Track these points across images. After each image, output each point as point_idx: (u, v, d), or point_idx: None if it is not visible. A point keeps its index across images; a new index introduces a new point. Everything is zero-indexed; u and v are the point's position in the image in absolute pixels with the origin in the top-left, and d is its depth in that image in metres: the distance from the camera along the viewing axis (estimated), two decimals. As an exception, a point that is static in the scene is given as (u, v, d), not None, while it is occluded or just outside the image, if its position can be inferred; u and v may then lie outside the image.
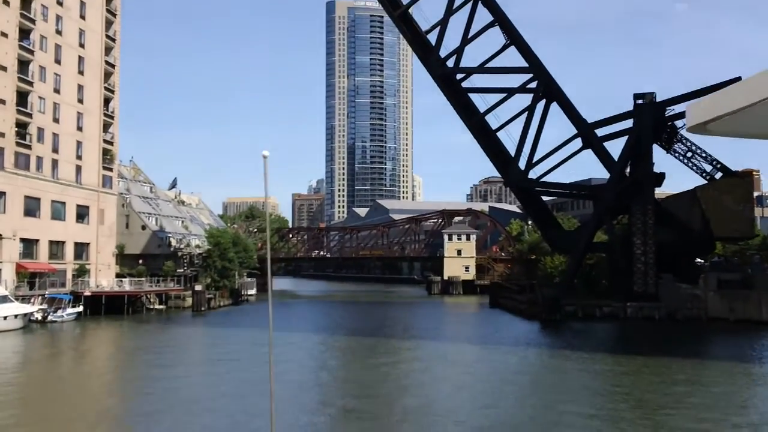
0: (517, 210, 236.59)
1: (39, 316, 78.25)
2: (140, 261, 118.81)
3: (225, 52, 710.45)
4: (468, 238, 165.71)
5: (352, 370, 49.21)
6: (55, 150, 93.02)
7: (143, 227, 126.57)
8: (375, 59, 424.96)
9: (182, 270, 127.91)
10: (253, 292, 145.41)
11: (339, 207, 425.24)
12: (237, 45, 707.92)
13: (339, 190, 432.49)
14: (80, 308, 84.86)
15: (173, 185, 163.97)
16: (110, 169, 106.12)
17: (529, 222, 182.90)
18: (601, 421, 33.33)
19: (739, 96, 4.59)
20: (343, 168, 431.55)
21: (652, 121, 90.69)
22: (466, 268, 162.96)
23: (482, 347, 61.16)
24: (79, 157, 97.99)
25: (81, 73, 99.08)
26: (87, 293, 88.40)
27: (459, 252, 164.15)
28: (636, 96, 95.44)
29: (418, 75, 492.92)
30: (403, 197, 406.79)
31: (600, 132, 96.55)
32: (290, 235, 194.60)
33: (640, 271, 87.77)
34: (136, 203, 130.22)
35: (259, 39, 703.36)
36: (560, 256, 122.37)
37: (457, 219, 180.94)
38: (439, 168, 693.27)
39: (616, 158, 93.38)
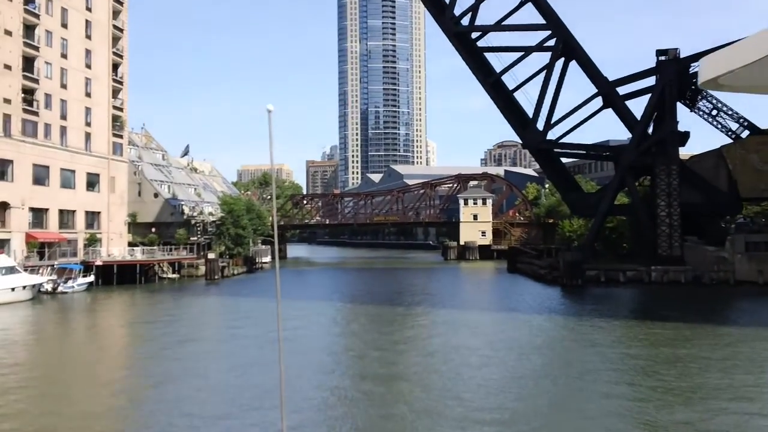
0: (533, 173, 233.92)
1: (49, 287, 76.91)
2: (153, 229, 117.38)
3: (237, 20, 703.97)
4: (484, 203, 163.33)
5: (368, 344, 47.30)
6: (63, 117, 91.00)
7: (156, 195, 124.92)
8: (387, 23, 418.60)
9: (195, 238, 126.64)
10: (267, 259, 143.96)
11: (353, 173, 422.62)
12: (250, 12, 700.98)
13: (353, 156, 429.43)
14: (91, 278, 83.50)
15: (185, 152, 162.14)
16: (120, 136, 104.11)
17: (546, 185, 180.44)
18: (639, 399, 31.27)
19: (752, 49, 4.47)
20: (357, 134, 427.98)
21: (676, 77, 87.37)
22: (483, 233, 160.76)
23: (503, 315, 59.07)
24: (88, 124, 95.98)
25: (88, 37, 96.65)
26: (98, 263, 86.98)
27: (475, 217, 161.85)
28: (659, 52, 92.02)
29: (432, 39, 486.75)
30: (418, 163, 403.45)
31: (621, 91, 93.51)
32: (304, 202, 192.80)
33: (665, 233, 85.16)
34: (148, 171, 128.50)
35: (271, 3, 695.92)
36: (579, 219, 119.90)
37: (472, 183, 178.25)
38: (453, 133, 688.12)
39: (637, 118, 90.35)
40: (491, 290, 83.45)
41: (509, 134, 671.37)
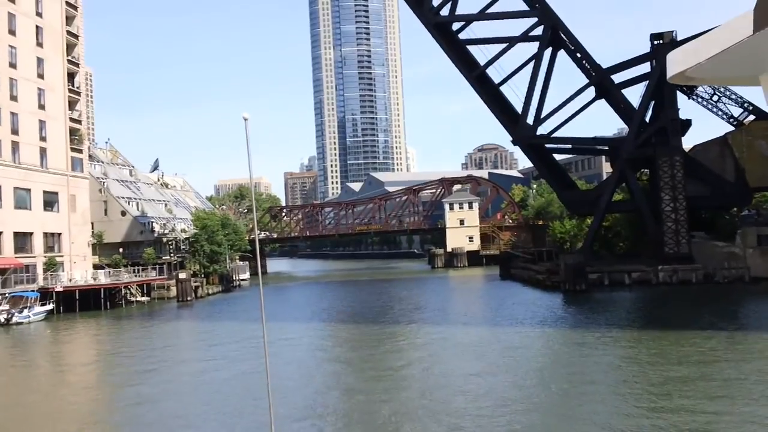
0: (518, 175, 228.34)
1: (1, 317, 69.37)
2: (120, 249, 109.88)
3: (208, 31, 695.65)
4: (470, 207, 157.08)
5: (356, 367, 40.62)
6: (15, 131, 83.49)
7: (123, 213, 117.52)
8: (361, 28, 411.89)
9: (168, 257, 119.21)
10: (246, 276, 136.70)
11: (332, 183, 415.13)
12: (220, 23, 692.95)
13: (332, 166, 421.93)
14: (50, 306, 76.04)
15: (155, 167, 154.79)
16: (80, 151, 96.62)
17: (534, 186, 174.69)
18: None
19: (719, 40, 4.42)
20: (335, 143, 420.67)
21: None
22: (470, 238, 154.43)
23: (504, 330, 52.24)
24: (43, 139, 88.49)
25: (40, 45, 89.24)
26: (58, 288, 79.41)
27: (461, 222, 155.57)
28: (653, 36, 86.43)
29: (407, 43, 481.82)
30: (398, 170, 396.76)
31: (615, 79, 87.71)
32: (283, 214, 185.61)
33: (671, 230, 79.15)
34: (114, 188, 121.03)
35: (241, 15, 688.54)
36: (570, 220, 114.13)
37: (456, 187, 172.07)
38: (432, 139, 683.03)
39: (635, 107, 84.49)
40: (487, 300, 76.52)
41: (490, 137, 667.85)
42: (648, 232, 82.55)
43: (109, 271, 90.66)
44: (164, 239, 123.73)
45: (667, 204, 79.54)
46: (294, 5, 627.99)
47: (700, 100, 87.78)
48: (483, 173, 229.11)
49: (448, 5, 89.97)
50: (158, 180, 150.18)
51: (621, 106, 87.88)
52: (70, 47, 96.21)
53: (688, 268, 76.29)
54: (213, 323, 67.94)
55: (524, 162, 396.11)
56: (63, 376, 44.31)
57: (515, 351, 42.59)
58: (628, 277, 76.77)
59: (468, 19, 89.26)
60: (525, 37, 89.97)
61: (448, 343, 46.79)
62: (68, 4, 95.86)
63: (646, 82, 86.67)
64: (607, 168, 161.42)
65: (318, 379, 37.85)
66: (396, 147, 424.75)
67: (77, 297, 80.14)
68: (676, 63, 4.92)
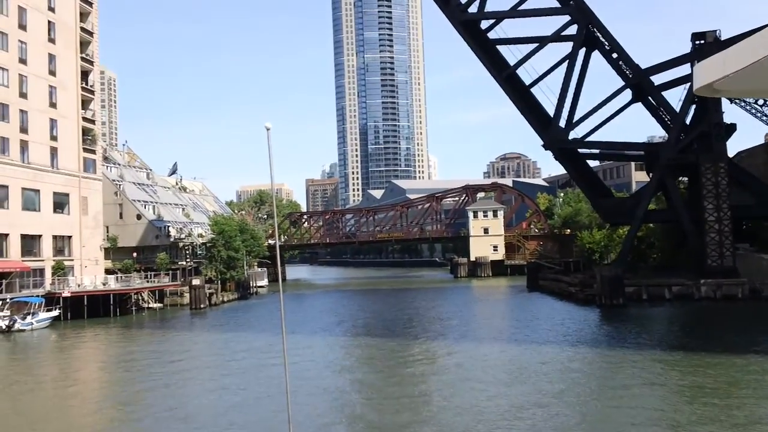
0: (543, 183, 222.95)
1: (2, 324, 65.78)
2: (134, 254, 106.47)
3: (231, 40, 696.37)
4: (495, 215, 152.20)
5: (377, 394, 36.34)
6: (24, 130, 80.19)
7: (138, 217, 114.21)
8: (384, 35, 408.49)
9: (184, 262, 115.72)
10: (264, 282, 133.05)
11: (354, 190, 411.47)
12: (241, 30, 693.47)
13: (353, 173, 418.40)
14: (56, 312, 72.44)
15: (173, 171, 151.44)
16: (93, 151, 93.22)
17: (560, 195, 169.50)
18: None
19: (747, 53, 4.38)
20: (356, 150, 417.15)
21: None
22: (495, 247, 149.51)
23: (538, 349, 47.43)
24: (53, 138, 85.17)
25: (52, 41, 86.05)
26: (66, 294, 75.79)
27: (486, 230, 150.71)
28: (695, 36, 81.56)
29: (430, 52, 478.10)
30: (419, 177, 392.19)
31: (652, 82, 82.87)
32: (303, 220, 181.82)
33: (714, 241, 74.06)
34: (130, 191, 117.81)
35: (264, 23, 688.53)
36: (600, 230, 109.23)
37: (480, 195, 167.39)
38: (454, 148, 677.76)
39: (676, 110, 79.54)
40: (516, 314, 71.37)
41: (512, 147, 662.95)
42: (688, 243, 77.48)
43: (120, 277, 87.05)
44: (180, 244, 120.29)
45: (710, 214, 74.51)
46: (317, 12, 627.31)
47: (743, 104, 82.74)
48: (506, 182, 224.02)
49: (477, 2, 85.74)
50: (176, 184, 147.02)
51: (659, 110, 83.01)
52: (84, 44, 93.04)
53: (733, 282, 71.15)
54: (225, 334, 63.88)
55: (547, 171, 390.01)
56: (51, 392, 40.31)
57: (557, 375, 38.00)
58: (669, 292, 71.77)
59: (497, 17, 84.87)
60: (557, 37, 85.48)
61: (479, 364, 42.25)
62: (83, 0, 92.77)
63: (685, 85, 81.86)
64: (637, 177, 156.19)
65: (336, 390, 33.60)
66: (418, 155, 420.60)
67: (86, 303, 76.51)
68: (702, 75, 4.78)
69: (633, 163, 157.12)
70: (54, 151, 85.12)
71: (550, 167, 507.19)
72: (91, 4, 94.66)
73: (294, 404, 27.63)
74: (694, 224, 75.47)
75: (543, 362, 41.28)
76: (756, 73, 4.40)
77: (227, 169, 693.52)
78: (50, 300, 73.76)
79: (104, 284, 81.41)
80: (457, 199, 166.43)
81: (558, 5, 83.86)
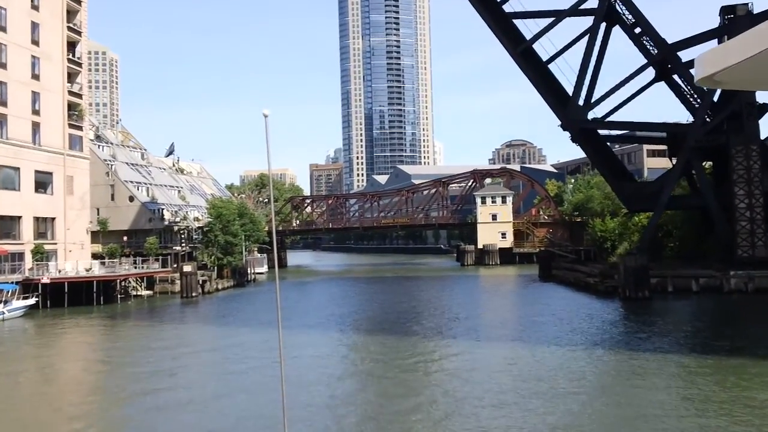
0: (551, 169, 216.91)
1: (-30, 313, 60.62)
2: (124, 238, 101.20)
3: (235, 22, 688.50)
4: (504, 201, 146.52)
5: (382, 393, 31.01)
6: (2, 103, 74.66)
7: (131, 199, 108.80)
8: (390, 17, 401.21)
9: (179, 247, 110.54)
10: (263, 269, 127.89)
11: (358, 176, 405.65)
12: (246, 13, 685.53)
13: (357, 158, 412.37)
14: (32, 300, 67.18)
15: (170, 151, 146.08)
16: (79, 128, 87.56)
17: (571, 181, 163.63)
18: None
19: (749, 45, 4.27)
20: (361, 134, 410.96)
21: (751, 37, 70.43)
22: (503, 234, 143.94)
23: (557, 349, 41.73)
24: (35, 112, 79.61)
25: (35, 8, 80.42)
26: (45, 280, 70.47)
27: (494, 217, 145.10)
28: (725, 10, 75.57)
29: (436, 37, 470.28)
30: (425, 163, 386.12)
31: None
32: (305, 204, 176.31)
33: (745, 230, 68.40)
34: (122, 171, 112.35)
35: (270, 7, 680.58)
36: (613, 218, 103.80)
37: (488, 181, 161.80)
38: (459, 134, 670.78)
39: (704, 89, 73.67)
40: (530, 308, 65.00)
41: (517, 134, 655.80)
42: (716, 231, 71.81)
43: (105, 262, 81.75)
44: (175, 228, 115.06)
45: (740, 200, 68.82)
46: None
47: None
48: (515, 167, 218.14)
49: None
50: (173, 165, 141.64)
51: (684, 90, 77.16)
52: (71, 13, 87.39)
53: (765, 274, 65.48)
54: (215, 327, 58.61)
55: (552, 159, 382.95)
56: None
57: (582, 386, 32.54)
58: (696, 284, 66.13)
59: (513, -14, 78.98)
60: (577, 11, 79.65)
61: (492, 368, 36.80)
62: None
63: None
64: (649, 163, 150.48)
65: (333, 395, 28.24)
66: (423, 140, 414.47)
67: (66, 290, 71.15)
68: (703, 66, 4.76)
69: (645, 149, 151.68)
70: (36, 127, 79.59)
71: (557, 154, 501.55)
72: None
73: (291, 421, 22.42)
74: (726, 211, 69.81)
75: (565, 368, 35.70)
76: (759, 65, 4.31)
77: (231, 153, 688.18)
78: (27, 287, 68.59)
79: (88, 270, 75.93)
80: (464, 184, 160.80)
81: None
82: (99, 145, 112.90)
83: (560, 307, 62.60)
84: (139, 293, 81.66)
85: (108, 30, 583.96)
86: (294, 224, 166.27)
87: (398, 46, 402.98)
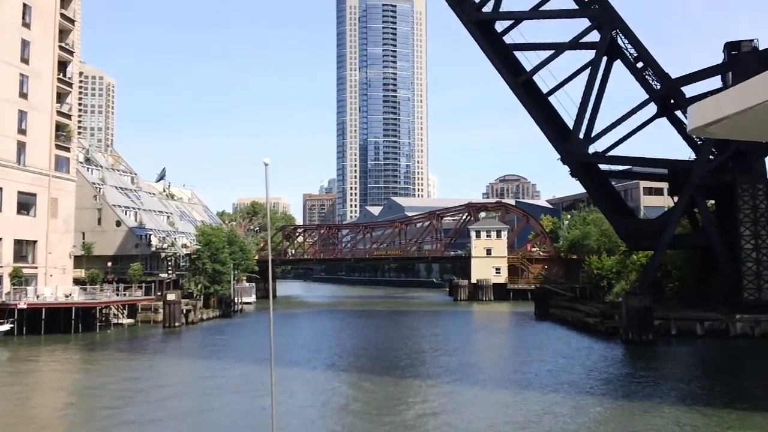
0: (546, 205, 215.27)
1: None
2: (109, 263, 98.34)
3: (233, 51, 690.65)
4: (498, 235, 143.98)
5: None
6: (-14, 120, 72.50)
7: (118, 223, 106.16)
8: (388, 50, 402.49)
9: (165, 274, 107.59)
10: (251, 299, 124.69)
11: (351, 206, 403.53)
12: (243, 41, 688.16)
13: (351, 189, 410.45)
14: (7, 326, 64.20)
15: (161, 176, 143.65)
16: (66, 149, 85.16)
17: (567, 217, 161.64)
18: None
19: (741, 98, 4.44)
20: (355, 165, 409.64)
21: (757, 73, 68.77)
22: (497, 269, 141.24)
23: (562, 396, 39.03)
24: (22, 132, 77.26)
25: (26, 26, 78.50)
26: (22, 306, 67.48)
27: (488, 251, 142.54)
28: (729, 46, 74.18)
29: (433, 71, 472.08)
30: (419, 195, 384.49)
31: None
32: (297, 234, 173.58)
33: (752, 271, 66.13)
34: (111, 195, 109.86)
35: (267, 35, 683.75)
36: (609, 256, 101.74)
37: (482, 214, 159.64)
38: (453, 168, 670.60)
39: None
40: (527, 349, 61.51)
41: (511, 169, 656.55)
42: (721, 272, 69.51)
43: (86, 288, 78.78)
44: (162, 254, 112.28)
45: (746, 241, 66.68)
46: (321, 26, 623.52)
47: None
48: (509, 202, 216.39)
49: (492, 2, 78.47)
50: (164, 190, 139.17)
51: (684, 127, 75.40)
52: (64, 33, 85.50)
53: (773, 319, 63.10)
54: (196, 361, 55.62)
55: (546, 194, 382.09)
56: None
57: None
58: (700, 327, 63.63)
59: (514, 17, 77.51)
60: (577, 44, 78.14)
61: (483, 413, 34.09)
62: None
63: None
64: (646, 201, 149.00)
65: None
66: (418, 172, 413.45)
67: (44, 317, 68.11)
68: (696, 117, 4.81)
69: (642, 187, 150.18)
70: (21, 146, 77.18)
71: (551, 190, 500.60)
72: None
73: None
74: (731, 251, 67.62)
75: (568, 419, 33.01)
76: (750, 118, 4.33)
77: (224, 181, 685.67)
78: (3, 312, 65.62)
79: (67, 296, 72.92)
80: (458, 218, 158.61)
81: (580, 7, 76.67)
82: (88, 168, 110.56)
83: (559, 348, 59.92)
84: (120, 321, 78.59)
85: (105, 55, 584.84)
86: (290, 254, 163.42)
87: (395, 79, 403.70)
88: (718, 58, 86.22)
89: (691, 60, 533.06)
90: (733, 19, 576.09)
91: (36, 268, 77.93)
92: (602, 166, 78.94)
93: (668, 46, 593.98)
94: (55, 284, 77.49)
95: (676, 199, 76.36)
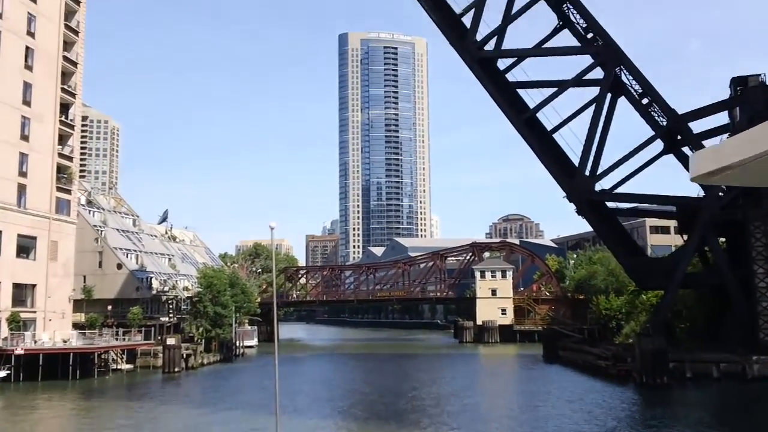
0: (551, 244, 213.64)
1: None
2: (109, 307, 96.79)
3: (232, 95, 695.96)
4: (504, 275, 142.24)
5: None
6: (-14, 162, 71.73)
7: (119, 266, 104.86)
8: (389, 92, 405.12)
9: (166, 318, 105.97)
10: (253, 342, 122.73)
11: (354, 247, 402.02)
12: (246, 84, 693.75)
13: (354, 229, 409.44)
14: (4, 373, 62.66)
15: (164, 218, 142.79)
16: (68, 191, 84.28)
17: (573, 256, 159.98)
18: None
19: (743, 147, 4.49)
20: (358, 206, 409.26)
21: (766, 109, 68.03)
22: (503, 310, 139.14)
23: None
24: (23, 174, 76.46)
25: (29, 68, 78.22)
26: (19, 351, 65.89)
27: (494, 292, 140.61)
28: (736, 81, 73.60)
29: (435, 109, 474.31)
30: (421, 236, 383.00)
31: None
32: (299, 275, 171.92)
33: (767, 311, 64.46)
34: (112, 238, 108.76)
35: (269, 78, 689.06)
36: (617, 296, 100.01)
37: (486, 254, 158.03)
38: (455, 208, 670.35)
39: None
40: (537, 395, 59.49)
41: (514, 208, 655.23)
42: (735, 312, 67.85)
43: (85, 333, 77.19)
44: (163, 297, 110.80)
45: (760, 279, 65.18)
46: (323, 68, 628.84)
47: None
48: (513, 242, 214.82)
49: (494, 40, 78.08)
50: (166, 233, 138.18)
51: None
52: (66, 75, 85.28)
53: (790, 361, 61.25)
54: (196, 409, 53.81)
55: (550, 234, 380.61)
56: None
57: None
58: (717, 369, 61.78)
59: (517, 55, 77.09)
60: (582, 81, 77.63)
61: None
62: (68, 27, 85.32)
63: (723, 136, 73.54)
64: (653, 240, 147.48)
65: None
66: (420, 213, 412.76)
67: (41, 363, 66.48)
68: (698, 165, 4.85)
69: (648, 225, 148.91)
70: (22, 189, 76.31)
71: (554, 229, 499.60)
72: (77, 33, 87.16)
73: None
74: (744, 290, 66.07)
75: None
76: (753, 167, 4.37)
77: (227, 222, 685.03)
78: (0, 357, 64.06)
79: (65, 341, 71.28)
80: (462, 258, 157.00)
81: (583, 44, 76.31)
82: (90, 211, 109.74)
83: (570, 394, 58.01)
84: (119, 367, 76.83)
85: (110, 99, 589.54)
86: (294, 295, 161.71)
87: (397, 120, 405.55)
88: (719, 96, 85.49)
89: (691, 100, 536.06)
90: (733, 55, 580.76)
91: (35, 312, 76.45)
92: (609, 204, 77.83)
93: (668, 86, 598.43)
94: (54, 329, 75.95)
95: (685, 237, 75.07)
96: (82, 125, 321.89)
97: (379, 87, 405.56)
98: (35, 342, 69.89)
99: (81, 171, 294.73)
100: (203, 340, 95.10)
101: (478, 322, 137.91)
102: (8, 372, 63.74)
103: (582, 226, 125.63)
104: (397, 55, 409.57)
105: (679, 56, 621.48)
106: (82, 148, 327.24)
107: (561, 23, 77.69)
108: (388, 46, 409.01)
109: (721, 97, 75.89)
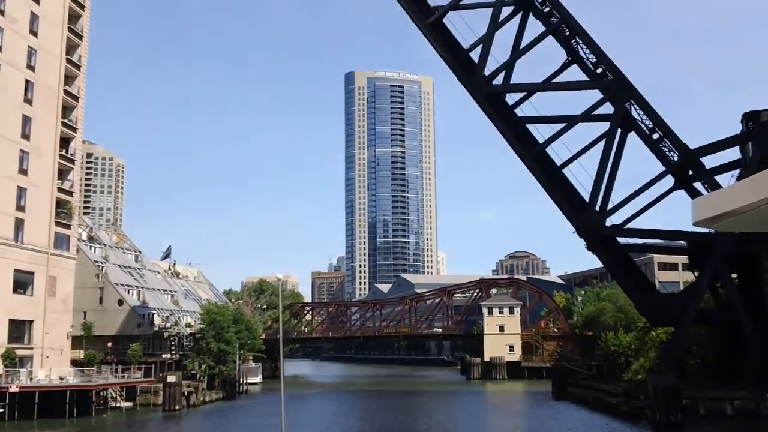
0: (559, 281, 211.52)
1: None
2: (110, 344, 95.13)
3: (238, 133, 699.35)
4: (511, 312, 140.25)
5: None
6: (-16, 196, 70.80)
7: (120, 302, 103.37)
8: (396, 129, 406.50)
9: (168, 355, 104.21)
10: (257, 379, 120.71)
11: (360, 284, 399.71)
12: (251, 122, 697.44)
13: (360, 266, 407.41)
14: (-2, 411, 60.99)
15: (167, 254, 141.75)
16: (67, 226, 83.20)
17: (581, 293, 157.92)
18: None
19: (744, 194, 4.45)
20: (364, 243, 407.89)
21: (778, 144, 66.84)
22: (510, 347, 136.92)
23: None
24: (20, 208, 75.43)
25: (28, 101, 77.68)
26: (13, 389, 64.22)
27: (501, 328, 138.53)
28: (747, 116, 72.37)
29: (442, 147, 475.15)
30: (428, 272, 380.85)
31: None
32: (305, 312, 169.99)
33: (782, 348, 62.50)
34: (113, 274, 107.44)
35: (275, 116, 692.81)
36: (625, 332, 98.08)
37: (494, 291, 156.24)
38: (462, 246, 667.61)
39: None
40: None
41: (520, 245, 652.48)
42: (749, 349, 65.80)
43: (83, 370, 75.48)
44: (165, 334, 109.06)
45: (775, 315, 63.27)
46: (330, 107, 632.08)
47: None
48: (520, 278, 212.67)
49: (502, 75, 77.26)
50: (169, 269, 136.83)
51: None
52: (67, 109, 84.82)
53: (807, 398, 59.10)
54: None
55: (556, 271, 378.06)
56: None
57: None
58: (731, 407, 59.68)
59: (526, 90, 76.24)
60: (591, 116, 76.51)
61: None
62: (69, 61, 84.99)
63: (734, 172, 72.25)
64: (661, 276, 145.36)
65: None
66: (427, 250, 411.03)
67: (36, 400, 64.77)
68: (700, 210, 4.90)
69: (656, 261, 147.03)
70: (20, 223, 75.21)
71: (561, 266, 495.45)
72: (78, 67, 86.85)
73: None
74: (757, 325, 64.14)
75: None
76: (754, 213, 4.36)
77: (233, 259, 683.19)
78: (-5, 396, 62.48)
79: (62, 379, 69.58)
80: (469, 294, 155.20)
81: (592, 79, 75.40)
82: (91, 246, 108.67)
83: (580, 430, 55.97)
84: (118, 405, 75.00)
85: (115, 136, 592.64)
86: (302, 331, 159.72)
87: (403, 157, 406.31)
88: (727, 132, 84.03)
89: (699, 138, 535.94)
90: (738, 94, 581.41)
91: (32, 348, 74.89)
92: (619, 240, 76.29)
93: (677, 121, 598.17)
94: (52, 366, 74.28)
95: (696, 273, 73.40)
96: (87, 162, 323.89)
97: (385, 125, 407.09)
98: (31, 379, 68.20)
99: (85, 207, 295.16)
100: (206, 377, 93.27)
101: (486, 358, 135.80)
102: (2, 410, 61.99)
103: (589, 263, 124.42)
104: (403, 94, 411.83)
105: (684, 97, 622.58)
106: (87, 184, 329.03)
107: (570, 58, 76.79)
108: (395, 84, 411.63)
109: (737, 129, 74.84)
